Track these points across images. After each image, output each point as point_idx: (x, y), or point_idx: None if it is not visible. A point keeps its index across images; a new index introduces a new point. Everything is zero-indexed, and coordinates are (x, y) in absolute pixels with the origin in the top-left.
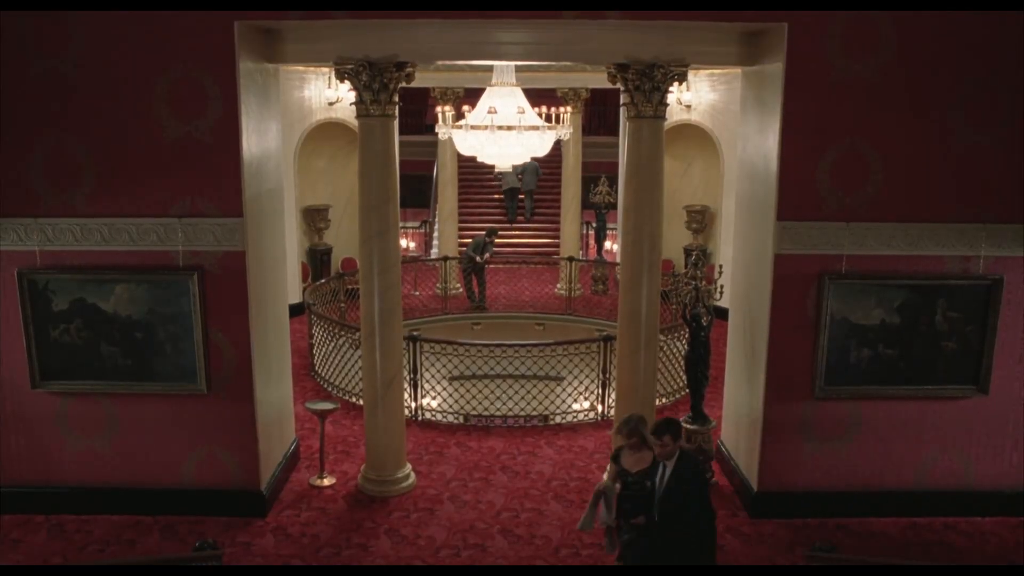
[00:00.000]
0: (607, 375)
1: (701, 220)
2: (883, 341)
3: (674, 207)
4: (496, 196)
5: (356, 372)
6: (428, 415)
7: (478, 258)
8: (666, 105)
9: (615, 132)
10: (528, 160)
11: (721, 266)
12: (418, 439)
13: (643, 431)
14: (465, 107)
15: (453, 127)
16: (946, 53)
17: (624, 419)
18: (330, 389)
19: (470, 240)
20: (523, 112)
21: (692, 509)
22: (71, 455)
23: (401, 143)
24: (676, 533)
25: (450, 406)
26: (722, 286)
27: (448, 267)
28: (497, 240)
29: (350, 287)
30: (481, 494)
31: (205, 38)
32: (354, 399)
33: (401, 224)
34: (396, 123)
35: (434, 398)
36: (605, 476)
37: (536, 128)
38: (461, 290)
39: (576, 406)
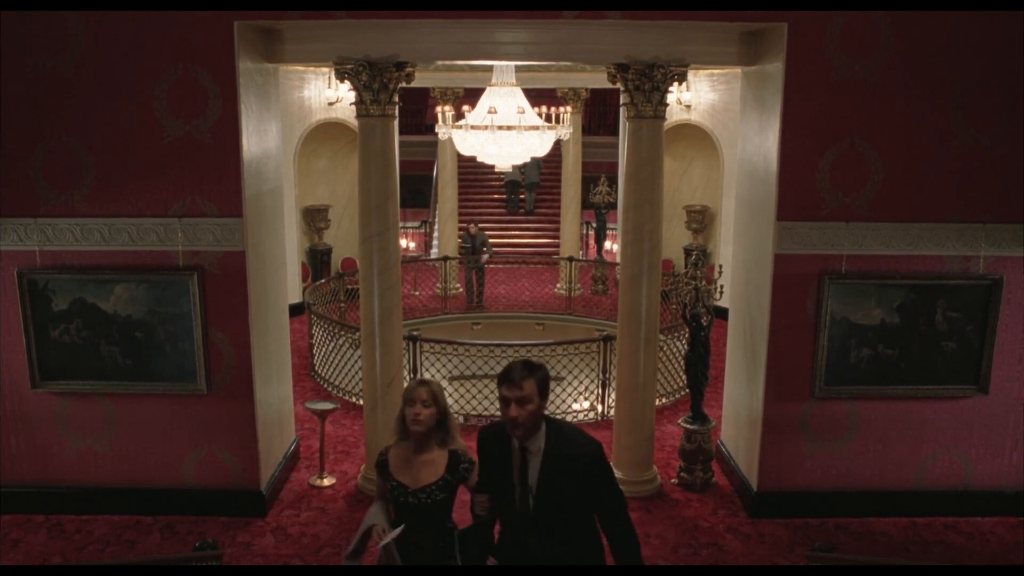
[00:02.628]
0: (607, 375)
1: (701, 220)
2: (883, 341)
3: (674, 207)
4: (496, 196)
5: (356, 372)
6: None
7: (479, 256)
8: (666, 105)
9: (615, 132)
10: (528, 159)
11: (721, 266)
12: None
13: (444, 401)
14: (465, 107)
15: (453, 127)
16: (946, 53)
17: (417, 381)
18: (330, 389)
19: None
20: (523, 112)
21: (604, 504)
22: (71, 455)
23: (401, 143)
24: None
25: (450, 406)
26: (722, 286)
27: (448, 267)
28: (497, 239)
29: (350, 287)
30: None
31: (205, 38)
32: (354, 399)
33: (401, 224)
34: (396, 123)
35: None
36: (373, 506)
37: (536, 128)
38: (462, 290)
39: (576, 406)
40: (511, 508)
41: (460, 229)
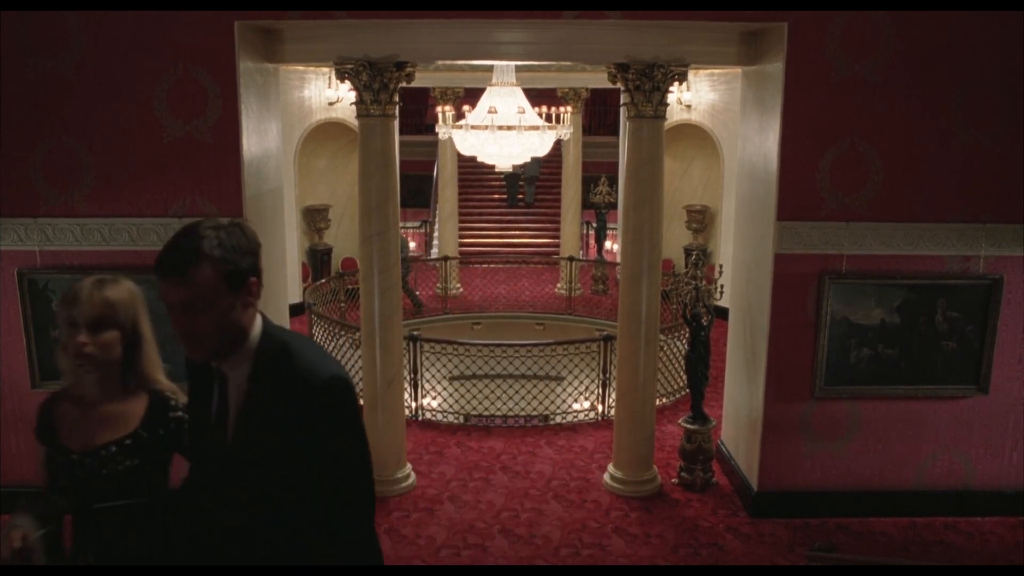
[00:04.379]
0: (607, 375)
1: (701, 220)
2: (883, 341)
3: (674, 207)
4: (496, 196)
5: (356, 372)
6: (428, 415)
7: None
8: (666, 105)
9: (615, 132)
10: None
11: (721, 266)
12: (418, 439)
13: (134, 313)
14: (465, 107)
15: (453, 127)
16: (946, 53)
17: (90, 282)
18: None
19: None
20: (523, 112)
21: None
22: None
23: (401, 143)
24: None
25: (450, 406)
26: (722, 286)
27: (448, 267)
28: (498, 239)
29: (350, 287)
30: (481, 494)
31: (205, 38)
32: None
33: (401, 224)
34: (396, 123)
35: (434, 398)
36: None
37: (536, 128)
38: (461, 290)
39: (576, 406)
40: (204, 461)
41: (461, 231)
